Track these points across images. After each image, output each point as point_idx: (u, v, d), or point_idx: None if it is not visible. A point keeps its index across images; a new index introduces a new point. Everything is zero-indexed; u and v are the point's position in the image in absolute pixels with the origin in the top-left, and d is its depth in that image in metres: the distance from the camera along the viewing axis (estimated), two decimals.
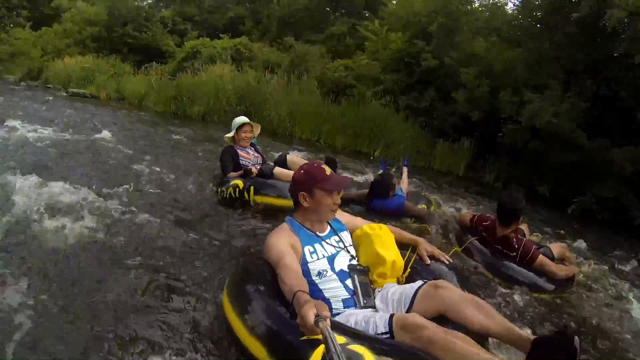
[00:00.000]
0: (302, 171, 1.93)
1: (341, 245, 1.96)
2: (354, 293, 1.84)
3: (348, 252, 1.97)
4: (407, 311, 1.70)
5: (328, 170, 1.90)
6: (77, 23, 17.65)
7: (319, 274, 1.82)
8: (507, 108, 6.57)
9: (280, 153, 4.27)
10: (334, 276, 1.84)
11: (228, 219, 3.15)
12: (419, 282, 1.82)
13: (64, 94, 12.45)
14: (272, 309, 1.53)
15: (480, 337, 1.58)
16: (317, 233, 1.93)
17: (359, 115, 7.92)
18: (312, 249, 1.86)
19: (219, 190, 3.53)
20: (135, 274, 2.14)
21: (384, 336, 1.49)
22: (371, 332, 1.53)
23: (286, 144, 7.28)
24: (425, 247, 2.15)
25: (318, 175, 1.87)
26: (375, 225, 2.08)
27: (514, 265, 2.70)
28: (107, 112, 9.00)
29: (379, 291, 1.93)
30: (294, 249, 1.79)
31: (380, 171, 4.32)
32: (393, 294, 1.84)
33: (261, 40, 16.77)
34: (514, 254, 2.70)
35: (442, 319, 1.62)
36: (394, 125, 7.78)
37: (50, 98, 10.70)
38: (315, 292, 1.76)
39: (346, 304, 1.80)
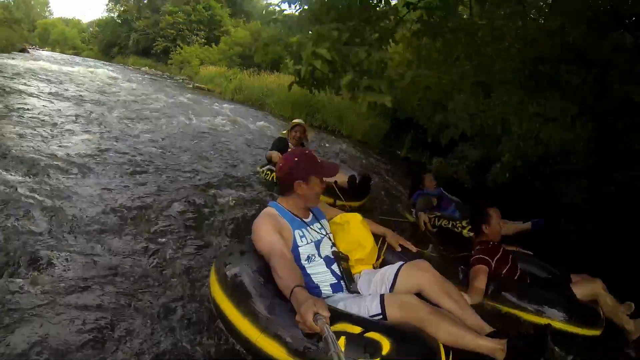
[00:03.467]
0: (296, 159, 1.90)
1: (323, 232, 1.99)
2: (340, 278, 1.89)
3: (330, 239, 2.00)
4: (391, 289, 1.80)
5: (319, 158, 1.94)
6: (227, 44, 24.09)
7: (308, 258, 1.84)
8: None
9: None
10: (321, 261, 1.88)
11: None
12: (399, 263, 1.91)
13: (190, 86, 17.90)
14: (274, 305, 1.55)
15: None
16: (303, 219, 1.94)
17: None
18: (301, 233, 1.87)
19: (260, 170, 4.33)
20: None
21: (377, 317, 1.58)
22: (363, 314, 1.60)
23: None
24: (395, 237, 2.22)
25: (314, 162, 1.89)
26: (352, 214, 2.17)
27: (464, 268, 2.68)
28: (195, 96, 13.44)
29: (358, 277, 2.00)
30: (283, 235, 1.78)
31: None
32: (374, 276, 1.93)
33: None
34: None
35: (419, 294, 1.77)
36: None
37: (178, 88, 16.00)
38: (305, 277, 1.76)
39: (335, 288, 1.85)
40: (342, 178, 3.77)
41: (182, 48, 24.51)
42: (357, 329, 1.39)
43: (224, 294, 1.70)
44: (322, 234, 1.97)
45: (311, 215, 2.00)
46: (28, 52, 16.51)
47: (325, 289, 1.84)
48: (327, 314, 1.26)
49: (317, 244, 1.90)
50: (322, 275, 1.86)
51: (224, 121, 7.95)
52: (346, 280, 1.87)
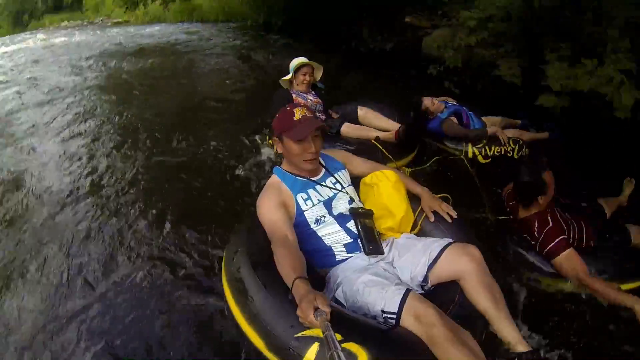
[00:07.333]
0: (277, 115, 1.81)
1: (338, 186, 1.86)
2: (357, 237, 1.76)
3: (346, 193, 1.86)
4: (431, 265, 1.66)
5: (298, 115, 1.73)
6: None
7: (317, 220, 1.75)
8: None
9: (351, 106, 3.56)
10: (332, 220, 1.77)
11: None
12: (446, 240, 1.73)
13: (110, 24, 20.65)
14: (269, 297, 1.45)
15: None
16: (310, 178, 1.82)
17: None
18: (305, 196, 1.77)
19: (269, 142, 3.27)
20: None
21: (390, 315, 1.42)
22: (378, 306, 1.46)
23: None
24: (429, 202, 1.95)
25: (284, 121, 1.75)
26: (384, 173, 1.95)
27: (536, 259, 2.19)
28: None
29: (392, 240, 1.87)
30: (286, 206, 1.71)
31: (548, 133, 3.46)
32: (416, 244, 1.77)
33: None
34: (534, 242, 2.16)
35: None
36: None
37: (99, 28, 18.88)
38: (315, 240, 1.74)
39: (350, 248, 1.74)
40: (386, 126, 3.22)
41: None
42: (337, 337, 1.22)
43: (229, 285, 1.63)
44: (336, 189, 1.84)
45: (323, 170, 1.89)
46: None
47: (339, 250, 1.74)
48: (327, 309, 1.20)
49: (327, 203, 1.80)
50: (335, 235, 1.76)
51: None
52: (363, 240, 1.74)
